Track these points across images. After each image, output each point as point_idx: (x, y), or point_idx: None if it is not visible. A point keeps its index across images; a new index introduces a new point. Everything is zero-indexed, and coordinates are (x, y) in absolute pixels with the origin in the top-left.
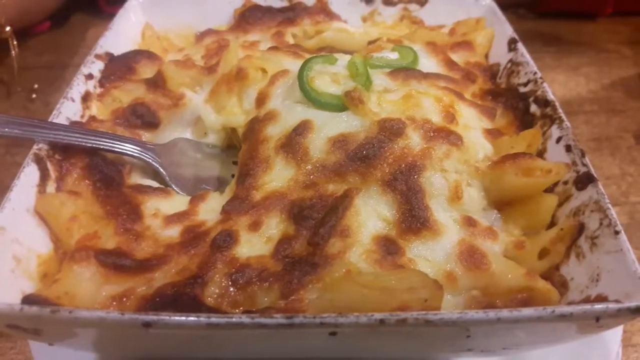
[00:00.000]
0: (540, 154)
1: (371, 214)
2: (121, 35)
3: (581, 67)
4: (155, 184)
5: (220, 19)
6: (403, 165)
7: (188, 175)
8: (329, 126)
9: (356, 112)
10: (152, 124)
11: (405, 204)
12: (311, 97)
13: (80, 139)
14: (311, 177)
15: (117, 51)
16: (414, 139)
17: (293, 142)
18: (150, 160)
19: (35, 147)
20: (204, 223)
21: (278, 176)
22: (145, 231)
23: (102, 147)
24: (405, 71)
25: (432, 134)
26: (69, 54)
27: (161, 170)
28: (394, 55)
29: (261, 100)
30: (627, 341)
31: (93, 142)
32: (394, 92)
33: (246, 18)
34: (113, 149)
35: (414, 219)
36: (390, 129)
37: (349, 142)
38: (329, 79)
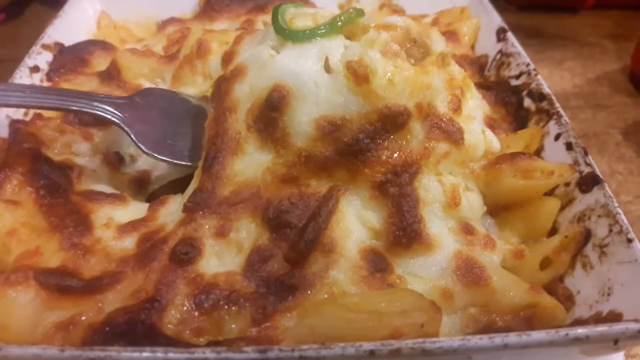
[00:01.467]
0: (538, 152)
1: (356, 220)
2: (73, 24)
3: (565, 61)
4: (109, 190)
5: (184, 7)
6: (398, 166)
7: (157, 132)
8: (311, 96)
9: (357, 92)
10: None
11: (397, 214)
12: (287, 34)
13: (21, 99)
14: (292, 169)
15: (69, 41)
16: (415, 133)
17: (267, 119)
18: (108, 116)
19: None
20: (162, 228)
21: (251, 163)
22: (95, 245)
23: (46, 105)
24: None
25: (435, 127)
26: (23, 47)
27: (123, 127)
28: None
29: (227, 59)
30: (627, 351)
31: (36, 100)
32: (412, 52)
33: (212, 5)
34: (62, 106)
35: (404, 232)
36: (393, 120)
37: (341, 131)
38: (310, 20)
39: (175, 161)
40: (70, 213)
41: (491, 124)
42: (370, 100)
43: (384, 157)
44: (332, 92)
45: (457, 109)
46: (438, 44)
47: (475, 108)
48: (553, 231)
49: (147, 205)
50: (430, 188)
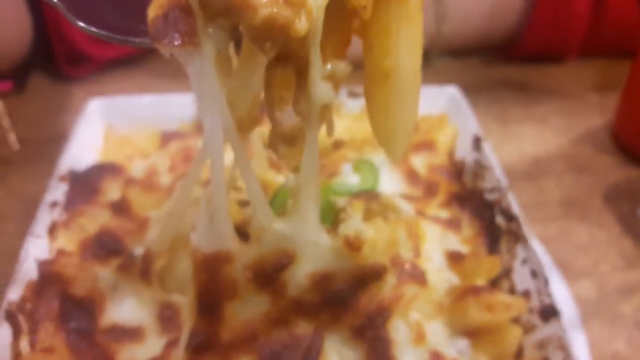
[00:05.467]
0: (507, 272)
1: (338, 358)
2: (82, 145)
3: (549, 117)
4: (132, 319)
5: (185, 115)
6: (373, 312)
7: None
8: (311, 255)
9: (348, 255)
10: (118, 250)
11: (372, 355)
12: None
13: None
14: (284, 313)
15: (80, 163)
16: (389, 282)
17: (270, 277)
18: None
19: (4, 302)
20: None
21: (248, 307)
22: None
23: None
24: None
25: (403, 273)
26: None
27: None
28: (355, 179)
29: None
30: None
31: None
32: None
33: None
34: None
35: None
36: (373, 276)
37: (329, 283)
38: None
39: (125, 37)
40: (97, 357)
41: (455, 258)
42: (357, 260)
43: (361, 305)
44: (328, 253)
45: (417, 254)
46: (408, 209)
47: (434, 247)
48: (519, 353)
49: (163, 341)
50: (399, 329)
